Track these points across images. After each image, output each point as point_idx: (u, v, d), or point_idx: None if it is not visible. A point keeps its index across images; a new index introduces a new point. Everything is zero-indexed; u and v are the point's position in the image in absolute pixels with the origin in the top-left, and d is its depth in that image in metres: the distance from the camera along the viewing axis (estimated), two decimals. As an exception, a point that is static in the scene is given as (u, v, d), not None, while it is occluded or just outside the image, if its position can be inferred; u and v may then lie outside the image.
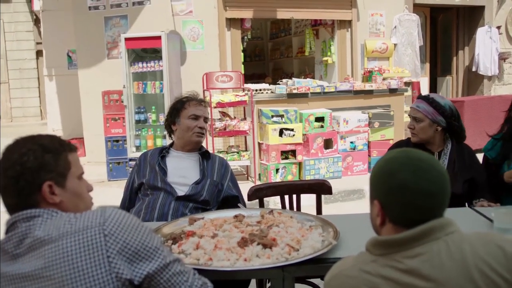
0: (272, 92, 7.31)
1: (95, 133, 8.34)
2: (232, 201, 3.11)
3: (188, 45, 8.14)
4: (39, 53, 17.46)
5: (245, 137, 7.40)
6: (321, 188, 3.21)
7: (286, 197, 3.24)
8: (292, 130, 6.89)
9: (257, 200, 3.17)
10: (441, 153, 3.06)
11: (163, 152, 3.15)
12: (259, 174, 7.17)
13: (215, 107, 6.87)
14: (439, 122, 2.97)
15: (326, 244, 2.03)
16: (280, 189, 3.24)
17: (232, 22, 8.27)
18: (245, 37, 8.84)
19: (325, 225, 2.29)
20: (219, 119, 7.09)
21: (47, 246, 1.39)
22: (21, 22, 18.50)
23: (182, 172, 3.05)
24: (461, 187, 2.96)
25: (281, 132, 6.88)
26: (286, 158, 7.02)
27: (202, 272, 1.85)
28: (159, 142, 7.43)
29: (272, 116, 6.91)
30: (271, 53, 12.81)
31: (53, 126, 11.99)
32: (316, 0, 8.63)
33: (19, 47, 18.82)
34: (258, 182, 7.06)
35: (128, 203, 3.15)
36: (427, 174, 1.39)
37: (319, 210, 3.21)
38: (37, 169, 1.50)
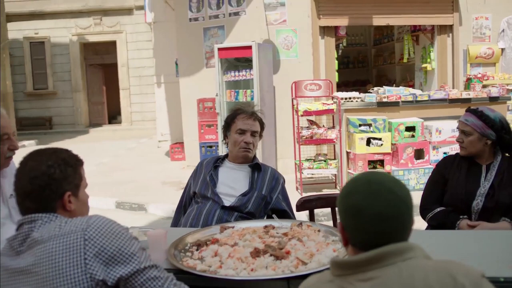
0: (362, 101, 7.22)
1: (193, 138, 8.75)
2: (279, 215, 3.15)
3: (282, 53, 8.26)
4: (156, 61, 18.57)
5: (334, 146, 7.37)
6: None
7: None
8: (380, 139, 6.75)
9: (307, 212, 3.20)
10: (490, 165, 2.96)
11: (217, 162, 3.27)
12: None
13: (302, 116, 6.92)
14: (489, 136, 2.89)
15: (335, 260, 2.04)
16: (329, 201, 3.24)
17: (326, 30, 8.27)
18: (340, 45, 8.79)
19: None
20: (307, 127, 7.12)
21: (39, 246, 1.60)
22: (141, 33, 19.79)
23: (232, 183, 3.14)
24: (508, 196, 2.84)
25: (368, 141, 6.77)
26: (374, 167, 6.89)
27: (209, 279, 1.96)
28: (250, 149, 7.62)
29: (360, 125, 6.83)
30: (375, 60, 12.60)
31: (162, 131, 12.73)
32: (414, 5, 8.38)
33: (139, 56, 20.17)
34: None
35: (184, 205, 3.31)
36: (382, 197, 1.37)
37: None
38: (61, 181, 1.73)
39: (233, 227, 2.56)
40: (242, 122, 3.19)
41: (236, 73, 7.56)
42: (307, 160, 7.23)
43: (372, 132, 6.80)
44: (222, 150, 7.69)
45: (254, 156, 3.30)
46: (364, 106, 7.15)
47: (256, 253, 2.14)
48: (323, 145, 7.64)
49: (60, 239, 1.58)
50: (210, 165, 3.25)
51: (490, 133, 2.87)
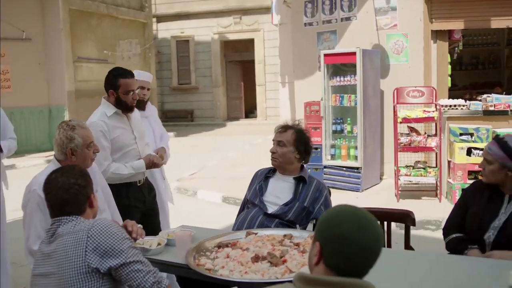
0: (467, 109, 7.03)
1: (304, 139, 9.08)
2: None
3: (391, 58, 8.28)
4: (289, 59, 19.17)
5: (435, 154, 7.28)
6: (406, 219, 3.31)
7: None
8: (482, 149, 6.55)
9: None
10: None
11: (269, 173, 3.65)
12: (447, 193, 7.00)
13: (400, 122, 6.97)
14: (510, 168, 2.82)
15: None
16: (378, 215, 3.41)
17: (438, 34, 8.11)
18: (456, 48, 8.56)
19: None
20: (407, 134, 7.14)
21: (59, 239, 2.18)
22: (277, 31, 20.46)
23: (278, 193, 3.51)
24: None
25: (469, 151, 6.62)
26: (475, 178, 6.70)
27: (205, 276, 2.36)
28: (352, 152, 7.83)
29: (461, 134, 6.69)
30: (507, 60, 11.91)
31: (284, 128, 13.21)
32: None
33: (274, 53, 20.86)
34: (444, 201, 6.93)
35: (242, 210, 3.74)
36: (367, 232, 1.58)
37: (407, 241, 3.31)
38: (86, 187, 2.33)
39: (256, 233, 2.92)
40: (275, 134, 3.61)
41: (342, 78, 7.79)
42: (406, 166, 7.24)
43: (473, 142, 6.64)
44: (325, 153, 7.99)
45: (302, 169, 3.62)
46: (469, 114, 6.96)
47: (256, 259, 2.49)
48: (428, 153, 7.56)
49: (72, 235, 2.15)
50: (262, 176, 3.64)
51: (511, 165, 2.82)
